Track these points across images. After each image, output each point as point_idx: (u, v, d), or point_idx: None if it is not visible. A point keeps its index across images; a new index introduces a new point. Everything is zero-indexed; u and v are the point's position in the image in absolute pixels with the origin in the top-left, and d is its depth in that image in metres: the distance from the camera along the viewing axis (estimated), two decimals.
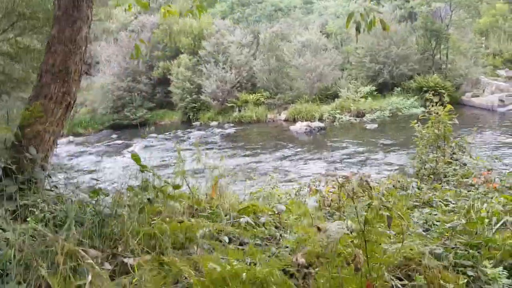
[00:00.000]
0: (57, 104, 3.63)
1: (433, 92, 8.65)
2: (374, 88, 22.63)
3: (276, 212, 3.44)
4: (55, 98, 3.58)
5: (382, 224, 2.44)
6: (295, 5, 32.59)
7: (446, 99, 19.29)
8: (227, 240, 2.99)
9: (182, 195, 3.63)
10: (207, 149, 20.70)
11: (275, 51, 26.16)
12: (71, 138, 26.60)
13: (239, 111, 26.15)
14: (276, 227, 3.22)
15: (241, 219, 3.11)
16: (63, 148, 24.21)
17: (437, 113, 7.24)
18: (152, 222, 2.87)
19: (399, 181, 6.11)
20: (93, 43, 31.88)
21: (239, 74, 26.88)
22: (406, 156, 13.70)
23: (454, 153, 7.29)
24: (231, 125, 25.32)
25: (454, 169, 6.84)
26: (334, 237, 1.97)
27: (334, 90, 24.20)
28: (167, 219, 2.89)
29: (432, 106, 7.64)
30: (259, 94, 26.14)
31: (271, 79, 26.00)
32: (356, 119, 21.52)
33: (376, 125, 20.32)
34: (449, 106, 7.55)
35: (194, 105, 27.33)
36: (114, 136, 26.02)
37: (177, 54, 28.92)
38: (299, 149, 18.75)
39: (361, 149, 16.93)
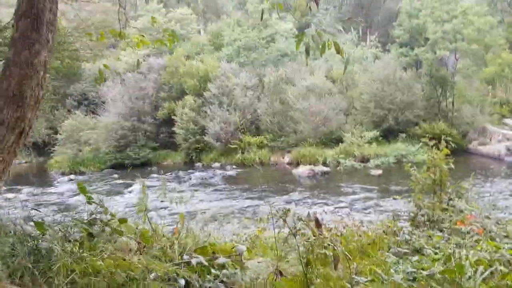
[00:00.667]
0: (9, 130, 3.38)
1: (431, 137, 8.36)
2: (378, 133, 22.38)
3: (238, 253, 3.10)
4: (7, 123, 3.34)
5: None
6: (301, 51, 32.95)
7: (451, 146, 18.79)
8: (183, 283, 2.64)
9: (144, 232, 3.29)
10: (205, 190, 20.43)
11: (279, 94, 26.27)
12: (72, 176, 26.49)
13: (242, 153, 25.94)
14: (234, 268, 2.87)
15: (193, 260, 2.78)
16: (64, 186, 24.07)
17: (433, 157, 6.90)
18: (93, 258, 2.54)
19: (389, 227, 5.72)
20: (101, 84, 32.51)
21: (243, 116, 26.91)
22: (412, 203, 13.25)
23: (450, 199, 6.88)
24: (234, 167, 25.09)
25: (450, 216, 6.43)
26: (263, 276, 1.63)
27: (338, 134, 23.99)
28: (106, 255, 2.56)
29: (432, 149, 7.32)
30: (262, 137, 26.03)
31: (275, 122, 25.95)
32: (360, 165, 21.15)
33: (380, 171, 19.93)
34: (445, 150, 7.21)
35: (197, 146, 27.23)
36: (115, 175, 25.82)
37: (183, 95, 29.17)
38: (300, 193, 18.36)
39: (363, 194, 16.51)
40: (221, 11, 52.45)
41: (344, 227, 6.31)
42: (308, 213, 3.34)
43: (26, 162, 33.21)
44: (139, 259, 2.58)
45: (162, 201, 17.29)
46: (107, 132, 28.29)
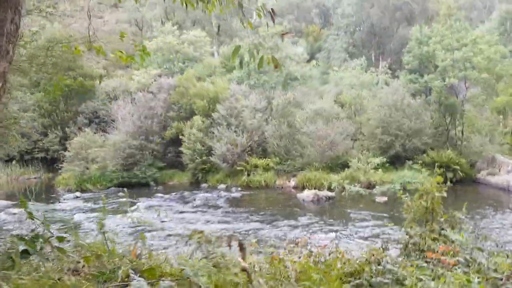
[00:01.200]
0: None
1: (439, 165, 8.15)
2: (385, 160, 22.07)
3: (186, 277, 2.93)
4: None
5: None
6: (310, 75, 33.17)
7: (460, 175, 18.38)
8: None
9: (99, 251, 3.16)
10: (208, 211, 20.25)
11: (287, 117, 26.22)
12: (78, 194, 26.59)
13: (248, 175, 25.83)
14: None
15: (133, 282, 2.63)
16: (69, 203, 24.15)
17: (426, 185, 6.67)
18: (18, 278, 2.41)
19: (373, 255, 5.46)
20: (112, 102, 32.99)
21: (251, 138, 26.85)
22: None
23: (442, 229, 6.60)
24: (239, 189, 24.91)
25: (440, 246, 6.16)
26: None
27: (345, 159, 23.74)
28: (38, 275, 2.43)
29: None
30: (269, 159, 25.89)
31: (282, 145, 25.82)
32: (365, 191, 20.81)
33: (386, 198, 19.56)
34: (438, 178, 6.98)
35: (204, 166, 27.16)
36: (121, 194, 25.85)
37: (191, 116, 29.31)
38: (303, 218, 18.07)
39: (367, 221, 16.18)
40: (234, 34, 53.22)
41: (329, 254, 6.08)
42: (230, 236, 3.18)
43: (35, 178, 33.56)
44: (69, 280, 2.44)
45: (162, 221, 17.10)
46: (115, 150, 28.44)
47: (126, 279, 2.85)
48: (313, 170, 23.74)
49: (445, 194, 7.19)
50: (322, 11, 58.67)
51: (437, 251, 5.24)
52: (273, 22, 2.56)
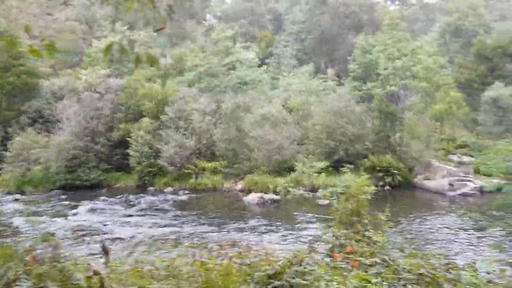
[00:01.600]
0: None
1: (379, 169, 8.50)
2: (329, 164, 22.69)
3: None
4: None
5: None
6: (261, 80, 33.53)
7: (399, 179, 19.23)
8: None
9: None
10: (153, 215, 20.02)
11: (236, 121, 26.37)
12: (17, 196, 25.50)
13: (196, 178, 25.79)
14: None
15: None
16: (7, 206, 23.09)
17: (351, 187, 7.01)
18: None
19: (296, 257, 5.66)
20: (58, 101, 31.80)
21: (199, 141, 26.81)
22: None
23: (366, 230, 6.94)
24: (186, 192, 24.80)
25: (363, 247, 6.46)
26: None
27: (291, 163, 24.18)
28: None
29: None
30: (217, 163, 25.95)
31: (230, 148, 25.96)
32: (309, 194, 21.29)
33: (328, 201, 20.08)
34: (365, 180, 7.35)
35: (151, 169, 26.79)
36: (63, 196, 25.02)
37: (139, 117, 28.85)
38: (248, 221, 18.28)
39: (307, 223, 16.57)
40: (188, 37, 52.92)
41: (256, 256, 6.22)
42: (102, 241, 3.26)
43: None
44: None
45: (105, 225, 16.69)
46: (59, 151, 27.49)
47: (13, 283, 2.84)
48: (260, 173, 24.03)
49: (369, 197, 7.58)
50: (275, 17, 59.44)
51: (341, 252, 5.52)
52: (170, 19, 2.59)
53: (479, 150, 22.97)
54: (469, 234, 14.42)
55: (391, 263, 5.55)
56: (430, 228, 16.16)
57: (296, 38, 47.08)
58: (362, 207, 7.13)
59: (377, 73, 24.57)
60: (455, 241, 14.05)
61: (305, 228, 16.17)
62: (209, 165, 25.77)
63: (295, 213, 19.24)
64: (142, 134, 27.21)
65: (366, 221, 7.24)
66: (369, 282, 3.56)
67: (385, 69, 23.29)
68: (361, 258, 5.73)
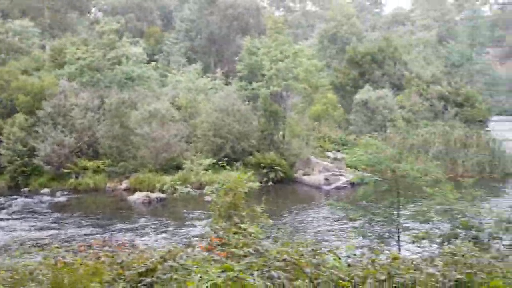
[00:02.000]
0: None
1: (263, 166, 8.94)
2: (215, 161, 23.10)
3: None
4: None
5: None
6: (149, 76, 32.80)
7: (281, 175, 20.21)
8: None
9: None
10: (27, 218, 18.54)
11: (121, 118, 25.47)
12: None
13: (76, 178, 24.39)
14: None
15: None
16: None
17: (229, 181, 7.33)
18: None
19: (169, 252, 5.78)
20: None
21: (80, 138, 25.37)
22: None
23: (243, 222, 7.31)
24: (65, 192, 23.34)
25: (239, 239, 6.80)
26: None
27: (179, 161, 24.10)
28: None
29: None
30: (100, 161, 24.80)
31: (114, 146, 24.99)
32: (196, 191, 21.44)
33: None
34: (242, 174, 7.72)
35: (25, 169, 24.70)
36: None
37: (12, 113, 26.40)
38: (130, 221, 17.91)
39: (197, 221, 16.77)
40: (69, 29, 49.65)
41: (129, 254, 6.21)
42: None
43: None
44: None
45: None
46: None
47: None
48: (146, 172, 23.56)
49: (246, 190, 8.01)
50: (164, 14, 58.49)
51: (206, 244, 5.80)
52: (49, 8, 2.51)
53: (343, 144, 25.24)
54: (341, 223, 15.86)
55: (264, 253, 5.97)
56: (307, 219, 17.43)
57: (186, 36, 46.90)
58: (239, 200, 7.52)
59: (262, 74, 25.64)
60: (328, 230, 15.38)
61: (192, 225, 16.33)
62: (91, 164, 24.53)
63: (182, 211, 19.33)
64: (15, 131, 24.96)
65: (244, 213, 7.65)
66: (232, 269, 3.81)
67: (269, 70, 24.44)
68: (234, 250, 6.07)
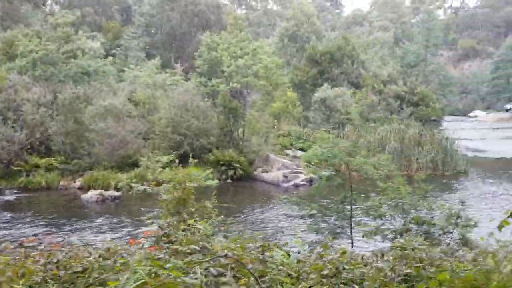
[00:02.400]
0: None
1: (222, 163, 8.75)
2: (173, 158, 22.69)
3: None
4: None
5: None
6: (105, 71, 31.95)
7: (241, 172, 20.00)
8: None
9: None
10: None
11: (75, 113, 24.59)
12: None
13: (27, 176, 23.31)
14: None
15: None
16: None
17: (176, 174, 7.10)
18: None
19: (108, 250, 5.51)
20: None
21: (32, 134, 24.28)
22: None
23: (191, 219, 7.10)
24: (15, 191, 22.25)
25: (187, 236, 6.59)
26: None
27: (135, 158, 23.50)
28: None
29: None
30: (53, 159, 23.82)
31: (68, 143, 24.09)
32: (152, 189, 20.92)
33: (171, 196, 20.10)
34: (193, 168, 7.51)
35: None
36: None
37: None
38: (81, 220, 17.27)
39: (145, 220, 16.28)
40: (23, 21, 47.60)
41: (66, 253, 5.89)
42: None
43: None
44: None
45: None
46: None
47: None
48: (101, 169, 22.84)
49: (195, 185, 7.80)
50: (123, 8, 57.15)
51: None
52: None
53: (297, 137, 25.38)
54: (299, 220, 15.89)
55: (211, 249, 5.79)
56: (266, 216, 17.38)
57: (146, 31, 45.98)
58: (188, 195, 7.30)
59: (222, 70, 25.41)
60: (285, 226, 15.38)
61: (144, 223, 15.89)
62: (43, 161, 23.51)
63: (137, 209, 18.81)
64: None
65: (193, 209, 7.44)
66: (163, 267, 3.61)
67: (228, 66, 24.24)
68: (179, 246, 5.86)
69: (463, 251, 6.16)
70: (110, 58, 38.55)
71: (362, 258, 4.80)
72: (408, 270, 4.02)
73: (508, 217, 4.55)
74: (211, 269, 4.15)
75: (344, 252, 4.71)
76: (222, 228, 8.03)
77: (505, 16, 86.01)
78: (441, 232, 8.52)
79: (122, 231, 15.21)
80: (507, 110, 57.57)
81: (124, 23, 54.80)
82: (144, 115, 26.66)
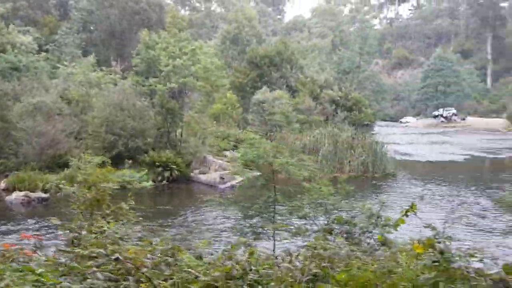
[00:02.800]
0: None
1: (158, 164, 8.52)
2: (106, 159, 22.01)
3: None
4: None
5: None
6: (37, 67, 30.41)
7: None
8: None
9: None
10: None
11: (2, 111, 23.18)
12: None
13: None
14: None
15: None
16: None
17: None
18: None
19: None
20: None
21: None
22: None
23: (106, 221, 6.91)
24: None
25: (97, 238, 6.41)
26: None
27: (66, 158, 22.54)
28: None
29: None
30: None
31: None
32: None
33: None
34: (109, 168, 7.33)
35: None
36: None
37: None
38: (11, 223, 16.34)
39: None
40: None
41: None
42: None
43: None
44: None
45: None
46: None
47: None
48: (28, 170, 21.69)
49: (112, 186, 7.61)
50: (60, 3, 54.77)
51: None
52: None
53: (224, 138, 25.47)
54: (234, 221, 15.94)
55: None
56: (201, 218, 17.29)
57: (83, 27, 44.28)
58: (103, 196, 7.08)
59: (160, 70, 25.02)
60: (219, 228, 15.39)
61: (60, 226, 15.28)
62: None
63: (66, 211, 18.04)
64: None
65: (108, 211, 7.23)
66: (35, 273, 3.50)
67: (166, 66, 23.90)
68: (80, 250, 5.65)
69: (382, 250, 6.36)
70: (44, 53, 36.85)
71: (276, 258, 4.84)
72: (316, 270, 4.07)
73: (403, 216, 4.79)
74: (98, 273, 4.02)
75: (252, 253, 4.76)
76: (150, 231, 7.88)
77: (435, 28, 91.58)
78: (361, 232, 8.75)
79: (44, 233, 14.51)
80: (435, 117, 61.24)
81: (61, 18, 52.49)
82: (77, 114, 25.66)
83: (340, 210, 9.20)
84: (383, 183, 23.49)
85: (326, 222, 9.16)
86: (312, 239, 9.27)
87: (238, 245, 5.49)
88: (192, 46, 25.10)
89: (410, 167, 28.09)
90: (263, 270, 4.07)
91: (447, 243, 3.81)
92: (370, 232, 8.98)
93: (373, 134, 29.52)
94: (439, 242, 3.60)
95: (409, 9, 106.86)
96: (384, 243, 8.57)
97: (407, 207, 4.16)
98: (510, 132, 50.60)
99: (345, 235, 8.63)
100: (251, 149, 9.52)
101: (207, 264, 4.42)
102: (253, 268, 4.11)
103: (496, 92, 70.52)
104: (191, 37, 27.64)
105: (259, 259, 4.51)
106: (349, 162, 24.24)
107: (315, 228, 9.21)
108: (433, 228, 4.03)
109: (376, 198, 18.20)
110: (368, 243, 8.43)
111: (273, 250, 5.95)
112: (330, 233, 8.79)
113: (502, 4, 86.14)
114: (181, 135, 24.79)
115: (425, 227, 4.14)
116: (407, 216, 3.97)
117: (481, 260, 3.98)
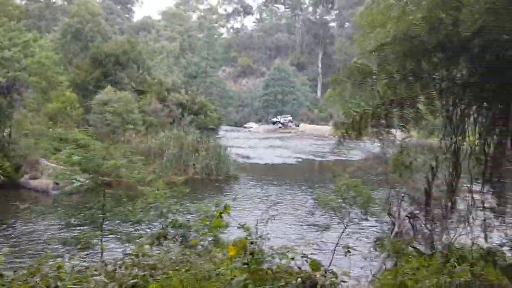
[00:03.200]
0: None
1: None
2: None
3: None
4: None
5: None
6: None
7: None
8: None
9: None
10: None
11: None
12: None
13: None
14: None
15: None
16: None
17: None
18: None
19: None
20: None
21: None
22: None
23: None
24: None
25: None
26: None
27: None
28: None
29: None
30: None
31: None
32: None
33: None
34: None
35: None
36: None
37: None
38: None
39: None
40: None
41: None
42: None
43: None
44: None
45: None
46: None
47: None
48: None
49: None
50: None
51: None
52: None
53: (61, 139, 23.90)
54: (68, 232, 14.87)
55: None
56: (34, 229, 15.74)
57: None
58: None
59: None
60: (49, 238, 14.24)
61: None
62: None
63: None
64: None
65: None
66: None
67: None
68: None
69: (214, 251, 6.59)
70: None
71: (96, 270, 4.52)
72: (134, 280, 3.97)
73: (218, 217, 4.94)
74: None
75: (59, 267, 4.38)
76: None
77: (276, 41, 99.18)
78: (196, 234, 8.42)
79: None
80: (273, 123, 66.28)
81: None
82: None
83: (176, 213, 9.13)
84: (226, 185, 24.57)
85: (161, 226, 8.93)
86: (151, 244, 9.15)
87: (46, 259, 5.00)
88: (25, 37, 22.74)
89: (251, 170, 29.90)
90: (73, 286, 3.87)
91: (259, 243, 4.10)
92: (205, 233, 9.05)
93: (218, 138, 30.63)
94: (252, 243, 3.81)
95: (253, 22, 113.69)
96: (217, 244, 8.72)
97: (221, 209, 4.11)
98: (335, 138, 57.32)
99: (180, 238, 8.64)
100: (77, 150, 9.06)
101: (8, 282, 4.13)
102: (59, 284, 3.88)
103: (324, 102, 79.55)
104: (25, 28, 24.98)
105: (72, 272, 4.31)
106: (194, 165, 24.74)
107: (148, 233, 8.90)
108: (247, 229, 4.18)
109: (219, 199, 18.87)
110: (203, 245, 8.52)
111: (102, 261, 5.70)
112: (165, 238, 8.64)
113: (331, 24, 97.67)
114: (10, 136, 22.27)
115: (238, 227, 4.30)
116: (221, 217, 4.17)
117: (292, 259, 4.40)
